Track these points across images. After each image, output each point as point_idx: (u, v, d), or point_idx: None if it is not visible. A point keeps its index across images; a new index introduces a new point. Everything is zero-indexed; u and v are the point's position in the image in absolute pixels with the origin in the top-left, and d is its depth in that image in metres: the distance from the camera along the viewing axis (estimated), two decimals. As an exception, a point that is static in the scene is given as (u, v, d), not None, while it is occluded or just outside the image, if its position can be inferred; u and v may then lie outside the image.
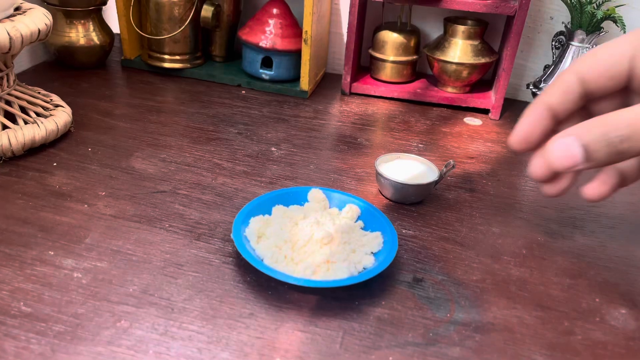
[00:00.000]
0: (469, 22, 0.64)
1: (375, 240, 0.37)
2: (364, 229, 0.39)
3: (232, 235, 0.36)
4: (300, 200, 0.41)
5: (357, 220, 0.40)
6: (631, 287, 0.37)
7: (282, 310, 0.33)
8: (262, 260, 0.35)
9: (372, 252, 0.37)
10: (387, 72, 0.67)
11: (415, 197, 0.44)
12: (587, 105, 0.39)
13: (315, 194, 0.41)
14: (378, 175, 0.44)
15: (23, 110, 0.49)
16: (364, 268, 0.35)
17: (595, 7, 0.58)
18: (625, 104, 0.38)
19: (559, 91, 0.38)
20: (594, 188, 0.39)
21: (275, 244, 0.36)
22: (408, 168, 0.45)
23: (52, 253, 0.36)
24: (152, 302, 0.33)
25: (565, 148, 0.35)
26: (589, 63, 0.37)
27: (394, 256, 0.35)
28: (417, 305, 0.34)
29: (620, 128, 0.33)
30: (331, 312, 0.33)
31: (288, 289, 0.34)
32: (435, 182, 0.44)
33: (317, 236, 0.36)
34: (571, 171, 0.35)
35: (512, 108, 0.66)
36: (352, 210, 0.40)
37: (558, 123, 0.39)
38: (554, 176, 0.37)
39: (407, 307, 0.34)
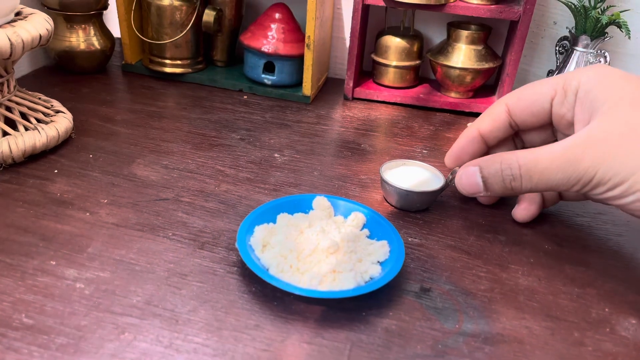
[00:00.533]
0: (473, 27, 0.64)
1: (381, 249, 0.37)
2: (370, 237, 0.39)
3: (236, 244, 0.36)
4: (305, 208, 0.41)
5: (362, 229, 0.39)
6: (641, 296, 0.37)
7: (288, 321, 0.32)
8: (267, 270, 0.34)
9: (378, 261, 0.36)
10: (390, 77, 0.66)
11: (421, 204, 0.43)
12: (519, 134, 0.42)
13: (320, 202, 0.40)
14: (383, 182, 0.44)
15: (23, 116, 0.48)
16: (371, 278, 0.35)
17: (600, 12, 0.57)
18: (552, 137, 0.41)
19: (489, 119, 0.41)
20: (521, 211, 0.42)
21: (281, 253, 0.35)
22: (413, 175, 0.45)
23: (54, 263, 0.35)
24: (156, 314, 0.32)
25: (469, 176, 0.38)
26: (516, 98, 0.40)
27: (402, 266, 0.35)
28: (425, 316, 0.34)
29: (513, 168, 0.35)
30: (338, 324, 0.33)
31: (294, 299, 0.34)
32: (441, 190, 0.43)
33: (323, 245, 0.35)
34: (477, 196, 0.40)
35: (516, 113, 0.66)
36: (357, 218, 0.40)
37: (491, 147, 0.43)
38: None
39: (415, 317, 0.34)
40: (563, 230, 0.43)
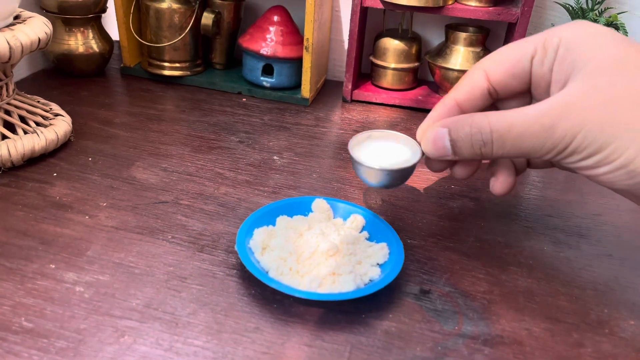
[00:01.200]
0: (471, 29, 0.64)
1: (381, 251, 0.37)
2: (369, 239, 0.39)
3: (236, 247, 0.36)
4: (304, 210, 0.41)
5: (362, 231, 0.39)
6: (639, 297, 0.37)
7: (288, 324, 0.32)
8: (267, 272, 0.34)
9: (377, 264, 0.36)
10: (389, 79, 0.67)
11: (401, 180, 0.39)
12: (496, 104, 0.38)
13: (320, 204, 0.41)
14: (355, 162, 0.38)
15: (22, 119, 0.48)
16: (370, 280, 0.35)
17: (597, 14, 0.58)
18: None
19: (466, 87, 0.37)
20: (500, 185, 0.38)
21: (280, 256, 0.35)
22: (385, 148, 0.40)
23: (54, 266, 0.35)
24: (155, 317, 0.32)
25: (437, 138, 0.35)
26: (494, 60, 0.36)
27: (401, 268, 0.35)
28: (424, 318, 0.34)
29: (484, 133, 0.33)
30: (338, 326, 0.33)
31: (293, 302, 0.34)
32: (417, 162, 0.38)
33: (323, 248, 0.35)
34: (444, 159, 0.36)
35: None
36: (356, 220, 0.40)
37: None
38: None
39: (415, 320, 0.34)
40: (561, 232, 0.43)
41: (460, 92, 0.37)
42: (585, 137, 0.29)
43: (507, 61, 0.35)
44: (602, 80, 0.30)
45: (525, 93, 0.37)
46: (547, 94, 0.34)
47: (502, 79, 0.36)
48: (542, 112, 0.30)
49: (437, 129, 0.35)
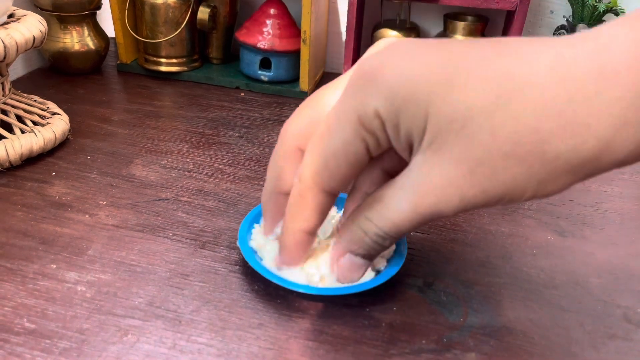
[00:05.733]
0: (469, 18, 0.64)
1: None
2: None
3: (237, 243, 0.36)
4: None
5: None
6: (645, 285, 0.37)
7: (292, 319, 0.32)
8: (269, 268, 0.34)
9: (381, 256, 0.36)
10: (387, 70, 0.66)
11: None
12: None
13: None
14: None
15: (19, 119, 0.48)
16: (377, 271, 0.35)
17: (597, 0, 0.57)
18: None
19: (315, 214, 0.30)
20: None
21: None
22: None
23: (55, 266, 0.35)
24: (158, 315, 0.32)
25: (350, 266, 0.31)
26: (331, 176, 0.29)
27: (404, 260, 0.35)
28: (429, 310, 0.33)
29: (378, 233, 0.28)
30: (342, 320, 0.32)
31: (297, 296, 0.34)
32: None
33: (325, 241, 0.35)
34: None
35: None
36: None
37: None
38: None
39: (419, 312, 0.33)
40: (565, 221, 0.43)
41: (311, 223, 0.30)
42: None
43: (341, 174, 0.28)
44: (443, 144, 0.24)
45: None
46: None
47: (343, 184, 0.29)
48: (415, 204, 0.26)
49: (343, 260, 0.31)
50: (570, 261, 0.39)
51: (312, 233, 0.31)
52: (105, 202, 0.42)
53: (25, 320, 0.31)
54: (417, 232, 0.41)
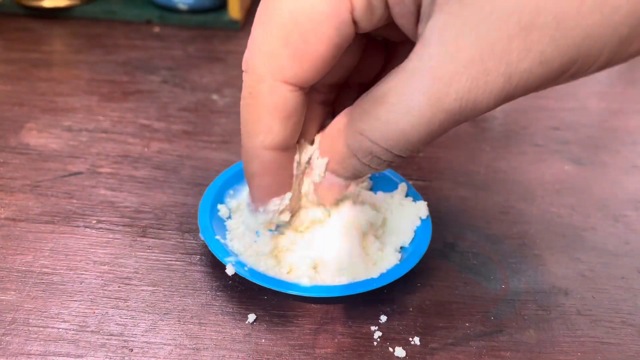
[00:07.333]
0: None
1: (417, 210, 0.27)
2: (374, 189, 0.30)
3: (200, 235, 0.26)
4: None
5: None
6: (685, 211, 0.31)
7: (288, 321, 0.23)
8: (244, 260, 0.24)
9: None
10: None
11: None
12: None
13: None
14: None
15: None
16: (401, 248, 0.26)
17: None
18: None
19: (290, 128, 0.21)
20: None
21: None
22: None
23: None
24: (97, 344, 0.22)
25: (329, 187, 0.23)
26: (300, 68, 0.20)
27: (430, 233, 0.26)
28: (461, 280, 0.26)
29: (372, 149, 0.20)
30: (357, 312, 0.24)
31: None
32: None
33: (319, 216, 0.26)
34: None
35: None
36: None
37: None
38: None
39: (450, 284, 0.26)
40: (576, 146, 0.37)
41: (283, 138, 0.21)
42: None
43: (310, 53, 0.19)
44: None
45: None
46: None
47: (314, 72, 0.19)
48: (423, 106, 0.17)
49: (326, 179, 0.23)
50: (599, 193, 0.32)
51: (282, 148, 0.21)
52: (-10, 187, 0.30)
53: None
54: (417, 180, 0.33)
